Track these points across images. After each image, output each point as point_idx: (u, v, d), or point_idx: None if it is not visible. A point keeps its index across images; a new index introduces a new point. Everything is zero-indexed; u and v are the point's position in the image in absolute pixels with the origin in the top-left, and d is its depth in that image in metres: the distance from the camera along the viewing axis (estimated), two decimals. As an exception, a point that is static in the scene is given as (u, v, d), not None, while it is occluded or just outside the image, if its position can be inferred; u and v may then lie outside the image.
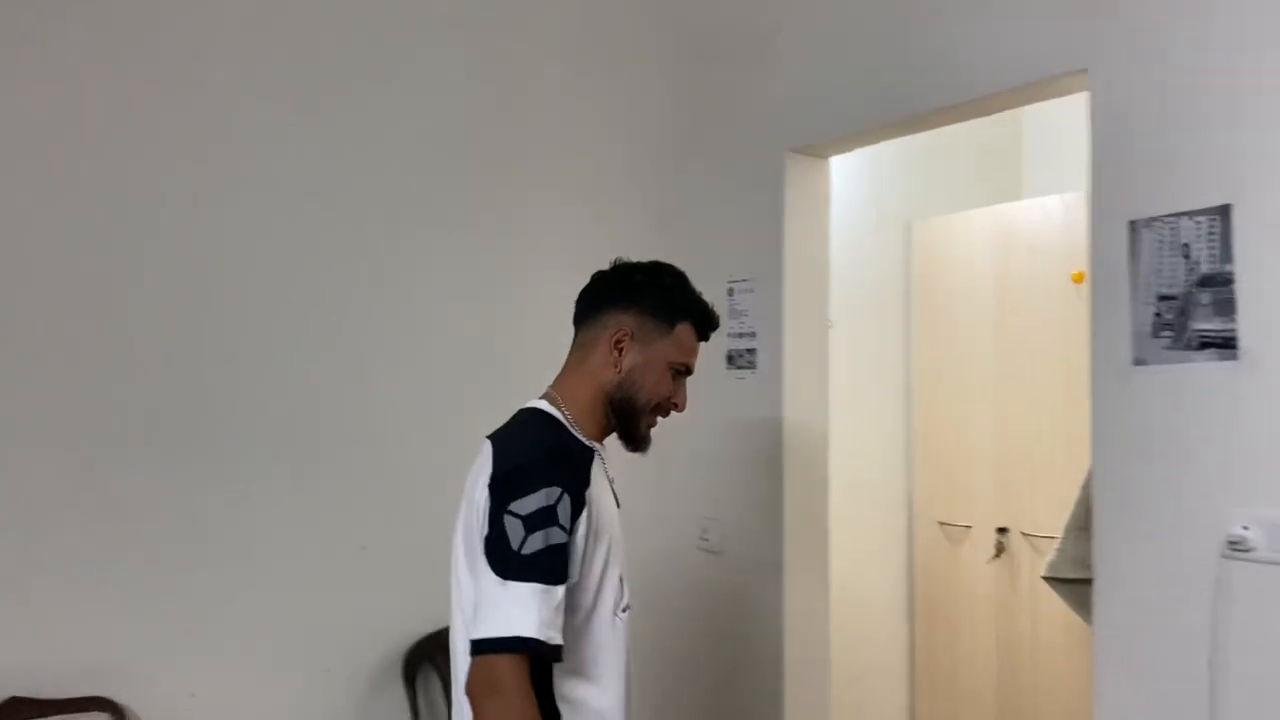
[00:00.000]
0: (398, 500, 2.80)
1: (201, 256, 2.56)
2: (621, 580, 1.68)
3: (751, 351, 2.97)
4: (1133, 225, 2.05)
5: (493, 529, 1.54)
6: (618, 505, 1.78)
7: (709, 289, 3.03)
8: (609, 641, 1.65)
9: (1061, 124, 3.68)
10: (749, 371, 2.98)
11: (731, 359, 3.03)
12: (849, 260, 3.59)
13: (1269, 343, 1.85)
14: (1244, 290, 1.89)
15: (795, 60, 2.86)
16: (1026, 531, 3.38)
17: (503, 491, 1.56)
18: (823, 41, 2.77)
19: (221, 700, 2.54)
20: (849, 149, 2.91)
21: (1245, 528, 1.87)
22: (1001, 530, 3.46)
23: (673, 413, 1.81)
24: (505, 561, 1.51)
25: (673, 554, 3.20)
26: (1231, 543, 1.88)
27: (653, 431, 1.80)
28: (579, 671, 1.61)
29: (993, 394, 3.53)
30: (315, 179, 2.71)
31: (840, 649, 3.12)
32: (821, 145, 2.84)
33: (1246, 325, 1.88)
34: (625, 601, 1.69)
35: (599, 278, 1.84)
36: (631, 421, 1.75)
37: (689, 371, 1.79)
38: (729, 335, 3.03)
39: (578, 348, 1.81)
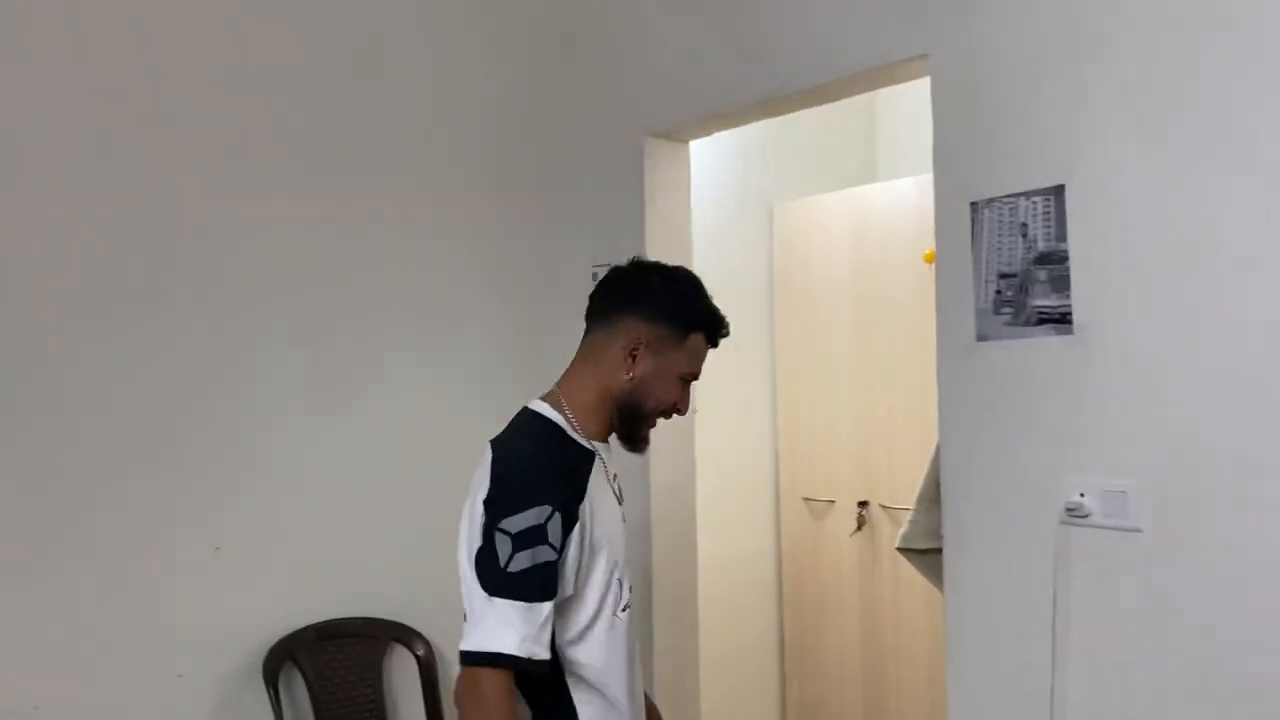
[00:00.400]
0: (252, 498, 2.72)
1: (42, 242, 2.44)
2: (621, 582, 1.71)
3: (616, 336, 2.96)
4: (974, 206, 2.12)
5: (484, 544, 1.58)
6: (620, 502, 1.78)
7: (573, 274, 3.08)
8: (612, 639, 1.69)
9: (913, 107, 3.78)
10: (614, 356, 2.97)
11: (596, 344, 3.02)
12: (713, 243, 3.62)
13: (1101, 317, 1.94)
14: (1077, 267, 1.97)
15: (651, 46, 2.86)
16: (885, 504, 3.48)
17: (496, 507, 1.59)
18: (679, 26, 2.78)
19: (68, 712, 2.43)
20: (707, 133, 2.94)
21: (1082, 495, 1.96)
22: (862, 504, 3.56)
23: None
24: (492, 577, 1.55)
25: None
26: (1069, 509, 1.97)
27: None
28: (590, 667, 1.66)
29: (852, 371, 3.62)
30: (139, 166, 2.60)
31: (710, 628, 3.16)
32: (680, 129, 2.85)
33: (1080, 301, 1.97)
34: (625, 601, 1.72)
35: (616, 276, 1.81)
36: (635, 425, 1.76)
37: (696, 378, 1.79)
38: (593, 320, 3.02)
39: (588, 347, 1.79)
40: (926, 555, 2.39)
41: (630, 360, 1.71)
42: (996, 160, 2.09)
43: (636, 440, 1.78)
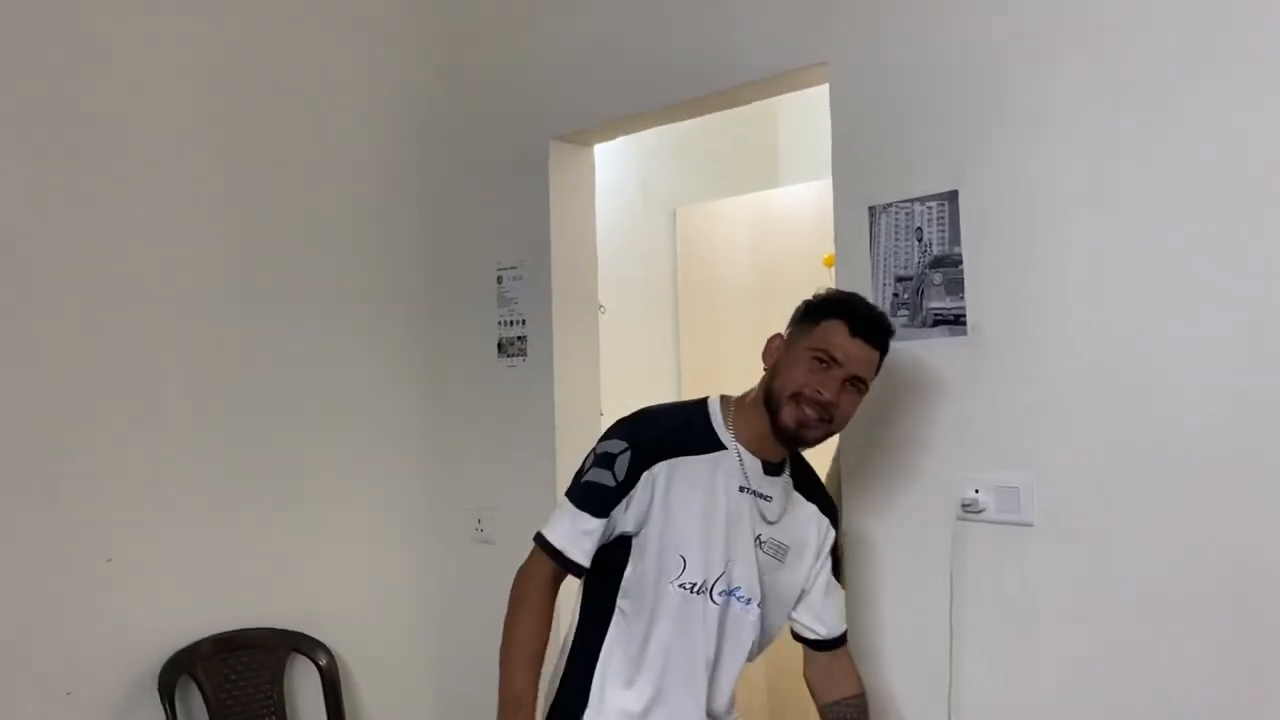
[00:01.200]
0: (146, 507, 2.64)
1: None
2: (684, 560, 1.79)
3: (522, 339, 2.96)
4: (871, 210, 2.18)
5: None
6: (754, 527, 1.83)
7: (476, 276, 3.07)
8: (659, 605, 1.79)
9: (814, 113, 3.85)
10: (520, 359, 2.97)
11: (502, 347, 3.01)
12: (618, 245, 3.64)
13: (993, 319, 2.01)
14: (970, 270, 2.04)
15: (556, 49, 2.86)
16: (790, 504, 3.53)
17: (601, 437, 1.87)
18: (582, 30, 2.79)
19: (-52, 735, 2.33)
20: (611, 137, 2.95)
21: (976, 491, 2.03)
22: (767, 504, 3.60)
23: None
24: (572, 482, 1.85)
25: (448, 545, 3.17)
26: (965, 505, 2.03)
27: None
28: (632, 618, 1.81)
29: (755, 372, 3.64)
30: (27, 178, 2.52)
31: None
32: (585, 133, 2.86)
33: (973, 302, 2.04)
34: (683, 579, 1.79)
35: None
36: (774, 411, 1.80)
37: (833, 360, 1.77)
38: (499, 324, 3.02)
39: None
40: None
41: (770, 356, 1.87)
42: (893, 166, 2.15)
43: (779, 428, 1.80)
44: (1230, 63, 1.74)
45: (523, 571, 1.83)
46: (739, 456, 1.83)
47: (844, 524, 2.24)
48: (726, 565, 1.81)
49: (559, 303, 2.89)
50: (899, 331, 2.13)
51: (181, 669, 2.63)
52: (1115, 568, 1.86)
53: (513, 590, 1.82)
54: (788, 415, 1.78)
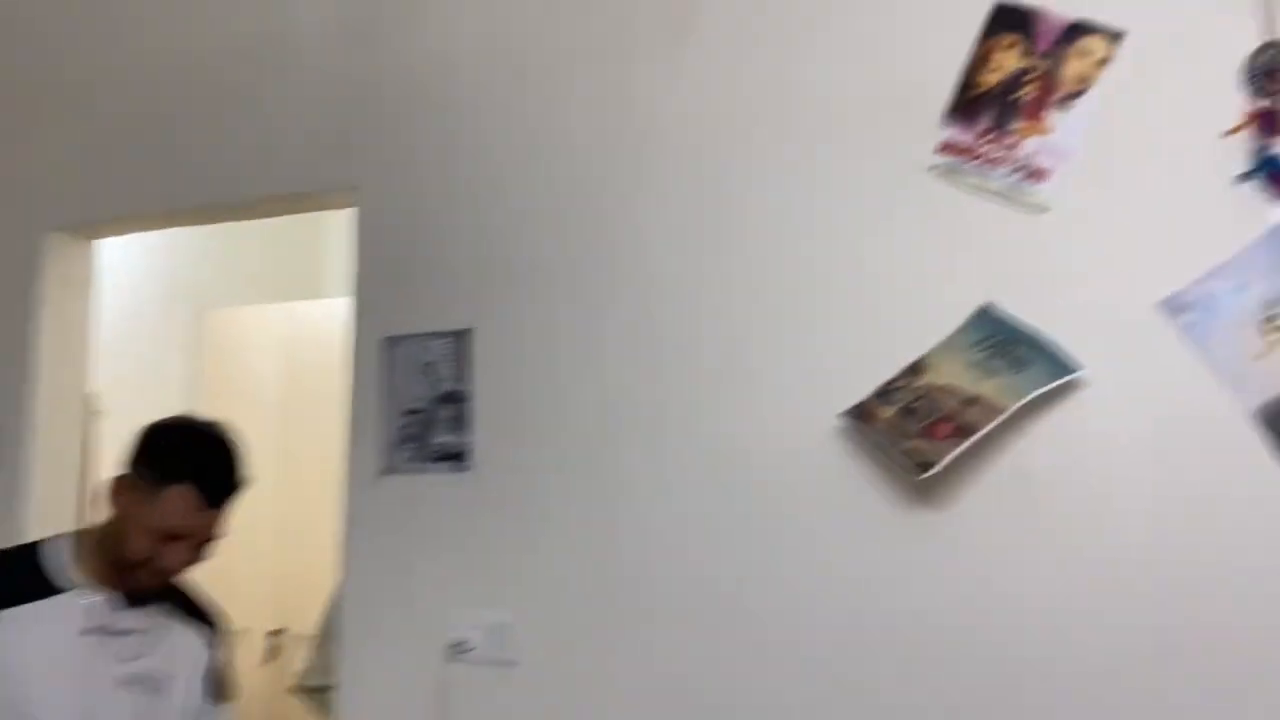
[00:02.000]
0: None
1: None
2: None
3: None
4: (388, 341, 2.17)
5: None
6: (118, 678, 1.60)
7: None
8: None
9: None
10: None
11: (-37, 452, 2.61)
12: (133, 346, 3.34)
13: (493, 456, 2.06)
14: (477, 407, 2.08)
15: (60, 136, 2.61)
16: (304, 633, 3.35)
17: None
18: (94, 121, 2.57)
19: None
20: (119, 233, 2.72)
21: (468, 629, 2.02)
22: (276, 632, 3.39)
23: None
24: None
25: None
26: (456, 645, 2.02)
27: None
28: None
29: (275, 493, 3.47)
30: None
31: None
32: (87, 226, 2.61)
33: (478, 439, 2.07)
34: None
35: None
36: (119, 572, 1.59)
37: (178, 537, 1.57)
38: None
39: None
40: (324, 693, 2.32)
41: (114, 503, 1.60)
42: (411, 300, 2.17)
43: (127, 589, 1.60)
44: (722, 233, 1.94)
45: None
46: (85, 597, 1.62)
47: (336, 663, 2.14)
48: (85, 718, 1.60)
49: (43, 404, 2.57)
50: (405, 464, 2.12)
51: None
52: (589, 709, 1.92)
53: None
54: (137, 580, 1.61)
